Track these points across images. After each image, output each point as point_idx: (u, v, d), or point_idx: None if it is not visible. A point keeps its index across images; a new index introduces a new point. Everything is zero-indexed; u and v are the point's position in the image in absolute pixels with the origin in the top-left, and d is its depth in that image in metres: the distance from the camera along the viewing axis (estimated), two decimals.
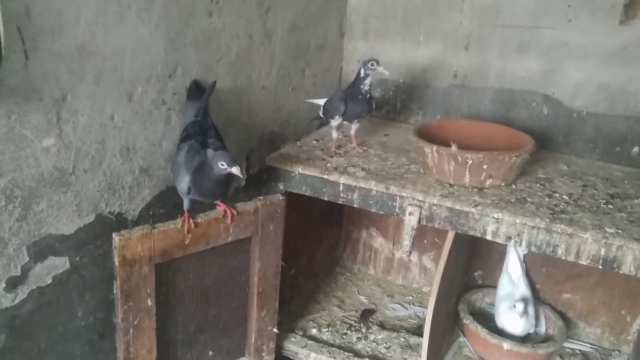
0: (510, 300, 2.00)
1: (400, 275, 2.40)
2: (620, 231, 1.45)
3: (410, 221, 1.61)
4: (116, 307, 1.46)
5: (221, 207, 1.58)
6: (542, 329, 2.06)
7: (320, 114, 1.93)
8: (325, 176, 1.71)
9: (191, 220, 1.51)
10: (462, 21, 2.09)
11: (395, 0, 2.16)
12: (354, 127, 1.90)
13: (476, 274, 2.27)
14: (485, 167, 1.60)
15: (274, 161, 1.78)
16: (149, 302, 1.50)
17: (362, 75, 1.78)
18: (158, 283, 1.52)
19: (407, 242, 1.63)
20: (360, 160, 1.82)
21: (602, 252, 1.44)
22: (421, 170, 1.76)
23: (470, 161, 1.59)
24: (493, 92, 2.11)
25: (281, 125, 2.03)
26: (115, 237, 1.40)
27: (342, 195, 1.70)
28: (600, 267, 1.46)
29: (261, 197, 1.68)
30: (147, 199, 1.56)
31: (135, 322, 1.49)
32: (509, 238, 1.53)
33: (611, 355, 2.04)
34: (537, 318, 2.05)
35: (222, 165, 1.38)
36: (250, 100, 1.85)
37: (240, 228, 1.63)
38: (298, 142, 1.95)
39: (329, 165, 1.76)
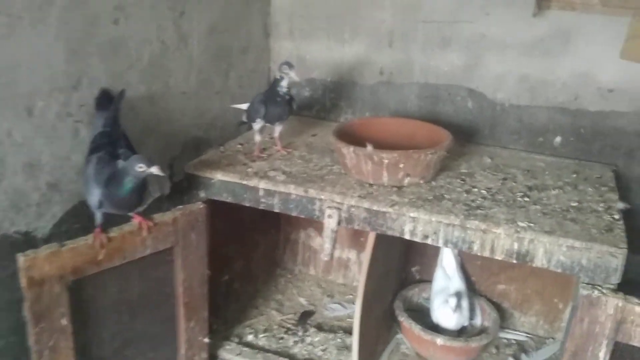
0: (444, 295, 2.01)
1: (340, 274, 2.39)
2: (532, 225, 1.46)
3: (330, 224, 1.60)
4: (28, 329, 1.42)
5: (136, 220, 1.54)
6: (478, 321, 2.08)
7: (244, 118, 1.91)
8: (245, 182, 1.68)
9: (103, 235, 1.47)
10: (384, 18, 2.08)
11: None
12: (277, 129, 1.88)
13: (414, 269, 2.27)
14: (401, 166, 1.60)
15: (194, 168, 1.75)
16: (64, 322, 1.45)
17: (278, 77, 1.77)
18: (74, 301, 1.47)
19: (327, 245, 1.62)
20: (283, 164, 1.80)
21: (515, 246, 1.45)
22: (342, 171, 1.75)
23: (387, 161, 1.59)
24: (418, 88, 2.11)
25: (206, 130, 1.99)
26: (20, 257, 1.35)
27: (262, 200, 1.68)
28: (514, 261, 1.46)
29: (180, 207, 1.65)
30: (58, 215, 1.51)
31: (50, 343, 1.44)
32: (425, 236, 1.53)
33: (545, 343, 2.07)
34: (472, 310, 2.06)
35: (141, 167, 1.35)
36: (168, 106, 1.82)
37: (159, 239, 1.60)
38: (221, 147, 1.91)
39: (249, 170, 1.74)
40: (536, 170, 1.84)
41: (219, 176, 1.71)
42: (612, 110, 1.90)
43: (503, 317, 2.11)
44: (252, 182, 1.68)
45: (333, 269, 2.40)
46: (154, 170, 1.36)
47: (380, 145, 1.65)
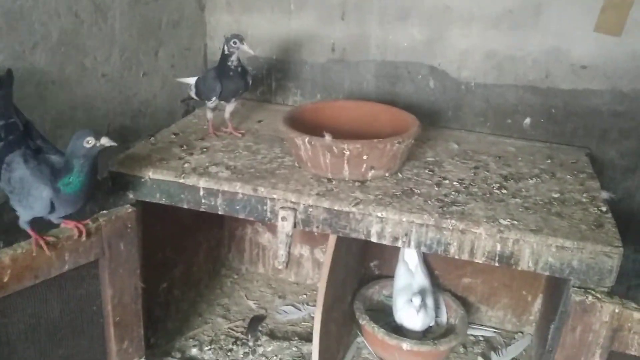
0: (408, 293, 1.84)
1: (292, 272, 2.18)
2: (515, 222, 1.29)
3: (284, 227, 1.37)
4: None
5: (69, 225, 1.29)
6: (444, 318, 1.92)
7: (193, 94, 1.70)
8: (182, 180, 1.43)
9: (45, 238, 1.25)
10: None
11: None
12: (228, 108, 1.70)
13: (372, 264, 2.08)
14: (365, 157, 1.39)
15: (120, 165, 1.48)
16: None
17: (226, 52, 1.60)
18: None
19: (282, 251, 1.40)
20: (225, 156, 1.56)
21: (498, 247, 1.28)
22: (296, 164, 1.52)
23: (348, 152, 1.37)
24: (375, 66, 1.90)
25: (133, 117, 1.72)
26: None
27: (203, 201, 1.44)
28: (497, 264, 1.29)
29: (105, 212, 1.39)
30: None
31: None
32: (395, 239, 1.33)
33: (514, 339, 1.93)
34: (437, 307, 1.91)
35: (89, 142, 1.15)
36: (86, 91, 1.53)
37: (79, 252, 1.34)
38: (152, 138, 1.65)
39: (186, 166, 1.48)
40: (508, 157, 1.67)
41: (150, 174, 1.45)
42: (586, 89, 1.75)
43: (469, 312, 1.96)
44: (191, 180, 1.43)
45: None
46: (105, 141, 1.16)
47: (337, 133, 1.44)
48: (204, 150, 1.59)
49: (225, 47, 1.60)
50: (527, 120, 1.83)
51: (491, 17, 1.75)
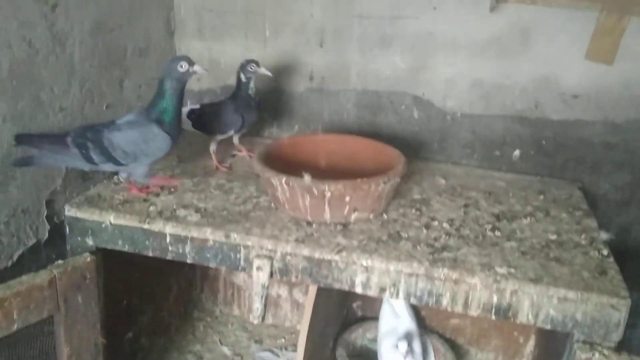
0: (393, 337, 1.71)
1: (269, 314, 2.04)
2: (512, 270, 1.18)
3: (260, 278, 1.24)
4: None
5: (161, 181, 1.47)
6: None
7: (186, 125, 1.59)
8: (147, 225, 1.30)
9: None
10: (312, 12, 1.74)
11: None
12: (236, 137, 1.68)
13: (355, 305, 1.96)
14: (347, 199, 1.27)
15: (78, 209, 1.34)
16: None
17: (244, 80, 1.57)
18: None
19: (257, 304, 1.27)
20: (195, 197, 1.43)
21: (495, 299, 1.16)
22: (272, 204, 1.40)
23: (329, 193, 1.25)
24: (356, 95, 1.79)
25: None
26: None
27: (170, 249, 1.30)
28: (493, 317, 1.18)
29: (60, 262, 1.26)
30: None
31: None
32: (382, 290, 1.21)
33: None
34: (425, 352, 1.78)
35: (182, 66, 1.28)
36: (42, 127, 1.40)
37: (29, 309, 1.20)
38: (116, 176, 1.51)
39: (152, 209, 1.35)
40: (498, 192, 1.57)
41: (111, 218, 1.31)
42: (577, 119, 1.66)
43: (458, 355, 1.86)
44: (156, 226, 1.29)
45: None
46: (197, 68, 1.29)
47: (317, 170, 1.33)
48: (172, 190, 1.46)
49: (242, 75, 1.55)
50: (517, 152, 1.73)
51: (477, 44, 1.66)
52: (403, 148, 1.45)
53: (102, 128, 1.31)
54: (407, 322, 1.77)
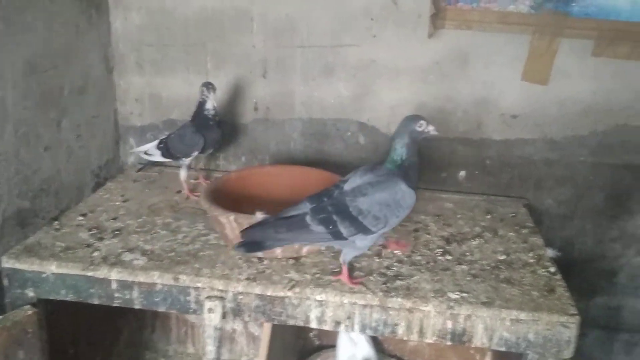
0: None
1: (225, 349, 1.99)
2: (465, 294, 1.19)
3: (212, 320, 1.21)
4: None
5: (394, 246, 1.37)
6: None
7: (157, 158, 1.64)
8: (91, 273, 1.25)
9: None
10: (254, 43, 1.73)
11: (170, 24, 1.75)
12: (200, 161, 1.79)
13: (312, 334, 1.94)
14: None
15: (17, 259, 1.28)
16: None
17: (200, 100, 1.59)
18: None
19: (211, 347, 1.23)
20: (141, 239, 1.38)
21: (449, 325, 1.17)
22: (222, 242, 1.37)
23: None
24: (302, 124, 1.79)
25: (34, 198, 1.51)
26: None
27: (116, 295, 1.26)
28: (449, 342, 1.18)
29: None
30: None
31: None
32: (337, 323, 1.20)
33: None
34: None
35: (421, 126, 1.21)
36: None
37: None
38: (56, 221, 1.45)
39: (96, 254, 1.30)
40: (447, 214, 1.59)
41: (53, 268, 1.26)
42: (518, 138, 1.71)
43: None
44: (101, 272, 1.25)
45: None
46: (431, 129, 1.21)
47: (267, 203, 1.31)
48: (117, 232, 1.41)
49: (200, 96, 1.58)
50: (462, 173, 1.76)
51: (418, 69, 1.68)
52: None
53: (339, 197, 1.19)
54: (365, 349, 1.76)
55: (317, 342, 1.95)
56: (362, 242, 1.20)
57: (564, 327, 1.13)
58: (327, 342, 1.93)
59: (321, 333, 1.93)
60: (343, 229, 1.16)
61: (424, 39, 1.64)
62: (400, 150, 1.20)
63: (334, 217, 1.16)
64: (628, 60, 1.59)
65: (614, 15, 1.56)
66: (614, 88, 1.63)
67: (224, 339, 1.98)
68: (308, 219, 1.16)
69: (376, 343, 1.84)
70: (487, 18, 1.61)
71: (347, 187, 1.20)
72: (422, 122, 1.20)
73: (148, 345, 2.01)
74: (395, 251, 1.35)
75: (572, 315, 1.14)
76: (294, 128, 1.80)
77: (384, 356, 1.86)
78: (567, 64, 1.62)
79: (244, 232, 1.17)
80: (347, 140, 1.78)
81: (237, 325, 1.96)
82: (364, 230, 1.17)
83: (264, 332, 1.29)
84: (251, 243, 1.17)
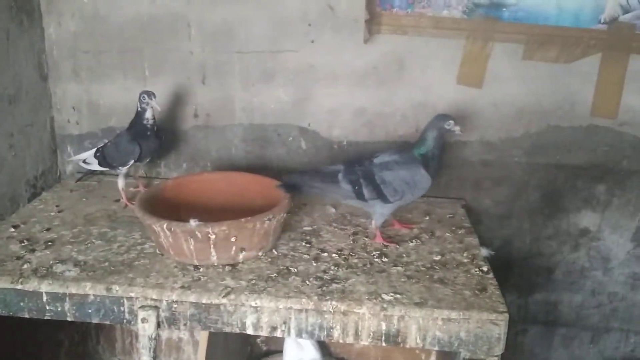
0: None
1: (171, 358, 1.97)
2: (398, 295, 1.20)
3: (146, 330, 1.20)
4: None
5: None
6: None
7: (94, 167, 1.64)
8: (20, 285, 1.21)
9: None
10: (192, 49, 1.72)
11: (105, 30, 1.72)
12: (140, 170, 1.78)
13: (259, 340, 1.93)
14: (233, 239, 1.26)
15: None
16: None
17: (139, 109, 1.56)
18: None
19: (146, 357, 1.22)
20: (74, 249, 1.36)
21: (383, 326, 1.18)
22: (157, 251, 1.35)
23: (214, 236, 1.23)
24: (243, 130, 1.78)
25: None
26: None
27: (48, 308, 1.23)
28: (383, 344, 1.19)
29: None
30: None
31: None
32: (273, 329, 1.20)
33: None
34: None
35: (449, 125, 1.40)
36: None
37: None
38: None
39: (26, 267, 1.27)
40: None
41: None
42: (457, 140, 1.74)
43: None
44: (31, 285, 1.22)
45: (162, 353, 1.96)
46: (457, 129, 1.39)
47: (205, 211, 1.31)
48: (49, 243, 1.38)
49: (139, 104, 1.55)
50: None
51: (356, 74, 1.70)
52: None
53: (369, 167, 1.39)
54: (312, 352, 1.77)
55: (264, 348, 1.95)
56: (380, 209, 1.41)
57: (493, 324, 1.16)
58: (275, 347, 1.93)
59: (268, 339, 1.93)
60: (366, 192, 1.37)
61: (361, 44, 1.66)
62: (429, 142, 1.39)
63: (361, 181, 1.38)
64: (556, 63, 1.64)
65: (542, 20, 1.61)
66: (544, 90, 1.68)
67: (170, 347, 1.96)
68: (340, 176, 1.38)
69: (323, 346, 1.86)
70: (421, 23, 1.64)
71: (376, 161, 1.40)
72: (451, 121, 1.38)
73: (93, 357, 1.97)
74: (403, 230, 1.53)
75: (502, 312, 1.16)
76: (235, 134, 1.79)
77: (330, 359, 1.87)
78: (500, 68, 1.66)
79: (286, 175, 1.44)
80: (289, 145, 1.79)
81: (183, 334, 1.94)
82: (382, 197, 1.38)
83: (201, 341, 1.28)
84: (291, 185, 1.38)
